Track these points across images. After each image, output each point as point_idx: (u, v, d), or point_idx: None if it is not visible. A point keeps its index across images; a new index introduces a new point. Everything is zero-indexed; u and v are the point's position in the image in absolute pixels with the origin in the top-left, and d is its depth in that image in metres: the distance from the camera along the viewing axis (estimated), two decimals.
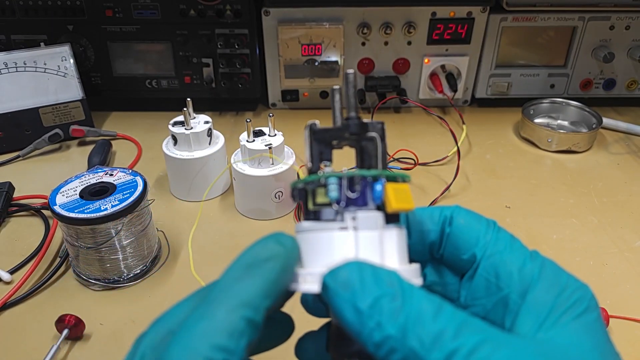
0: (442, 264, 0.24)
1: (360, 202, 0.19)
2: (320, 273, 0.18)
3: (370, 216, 0.19)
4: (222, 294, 0.17)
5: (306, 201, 0.21)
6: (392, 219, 0.20)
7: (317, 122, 0.22)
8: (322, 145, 0.21)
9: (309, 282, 0.19)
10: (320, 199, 0.20)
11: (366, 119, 0.22)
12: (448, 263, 0.23)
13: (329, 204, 0.20)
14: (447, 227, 0.22)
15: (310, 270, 0.19)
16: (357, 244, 0.19)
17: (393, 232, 0.19)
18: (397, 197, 0.19)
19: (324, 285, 0.18)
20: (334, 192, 0.19)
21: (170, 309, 0.19)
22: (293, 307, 0.23)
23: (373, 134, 0.21)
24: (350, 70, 0.22)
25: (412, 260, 0.21)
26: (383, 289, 0.17)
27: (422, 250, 0.23)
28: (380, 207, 0.20)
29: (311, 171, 0.21)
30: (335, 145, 0.22)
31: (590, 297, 0.20)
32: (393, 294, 0.17)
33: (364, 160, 0.21)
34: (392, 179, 0.20)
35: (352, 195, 0.19)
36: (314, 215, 0.20)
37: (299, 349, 0.23)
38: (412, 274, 0.19)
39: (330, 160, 0.21)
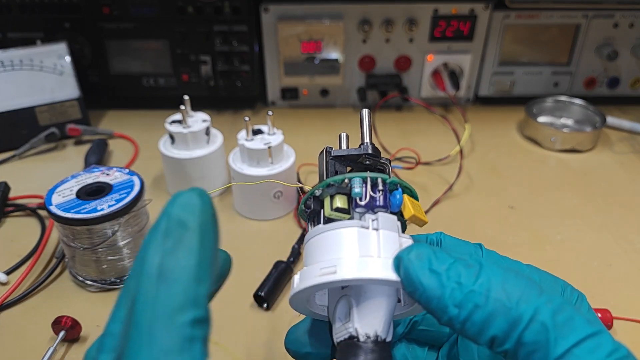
0: None
1: (381, 205, 0.20)
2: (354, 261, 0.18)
3: (391, 218, 0.20)
4: (148, 307, 0.14)
5: (322, 209, 0.21)
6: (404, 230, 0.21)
7: (332, 147, 0.23)
8: (338, 165, 0.23)
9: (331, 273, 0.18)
10: (340, 203, 0.20)
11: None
12: None
13: (347, 211, 0.20)
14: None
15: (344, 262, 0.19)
16: (378, 242, 0.19)
17: (410, 240, 0.20)
18: (414, 207, 0.20)
19: (398, 258, 0.18)
20: (358, 188, 0.20)
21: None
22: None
23: (384, 160, 0.23)
24: (366, 110, 0.24)
25: None
26: (456, 257, 0.18)
27: None
28: (397, 214, 0.21)
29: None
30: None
31: (584, 297, 0.21)
32: (468, 263, 0.18)
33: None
34: (407, 192, 0.21)
35: (375, 195, 0.20)
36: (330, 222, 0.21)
37: (289, 340, 0.24)
38: None
39: None
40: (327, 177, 0.22)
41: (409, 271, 0.18)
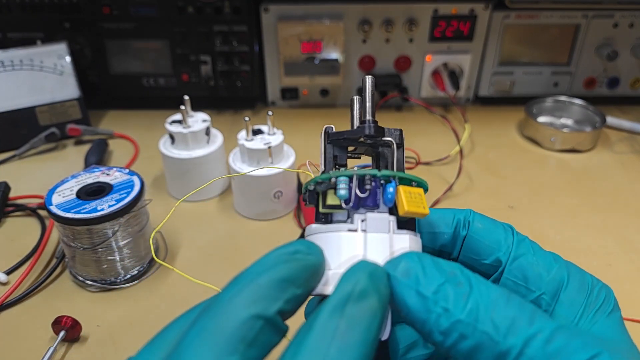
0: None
1: (371, 204, 0.19)
2: (335, 274, 0.18)
3: (380, 218, 0.18)
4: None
5: (317, 204, 0.20)
6: (407, 225, 0.19)
7: (332, 126, 0.21)
8: (336, 149, 0.21)
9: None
10: (331, 201, 0.19)
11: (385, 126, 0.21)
12: (466, 266, 0.22)
13: (340, 206, 0.19)
14: (461, 230, 0.22)
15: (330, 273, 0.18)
16: (365, 246, 0.18)
17: (405, 237, 0.19)
18: (409, 200, 0.18)
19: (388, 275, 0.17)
20: (343, 190, 0.19)
21: (163, 330, 0.17)
22: None
23: (389, 138, 0.20)
24: (369, 77, 0.21)
25: None
26: (446, 276, 0.17)
27: (432, 253, 0.23)
28: (393, 210, 0.19)
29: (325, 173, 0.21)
30: (352, 153, 0.22)
31: (613, 297, 0.20)
32: (458, 280, 0.17)
33: (380, 167, 0.21)
34: (407, 181, 0.19)
35: (363, 195, 0.19)
36: (325, 219, 0.20)
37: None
38: None
39: (345, 165, 0.21)
40: (325, 163, 0.21)
41: (395, 289, 0.17)
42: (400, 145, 0.21)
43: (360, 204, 0.19)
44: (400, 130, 0.21)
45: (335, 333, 0.14)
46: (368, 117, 0.20)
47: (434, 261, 0.17)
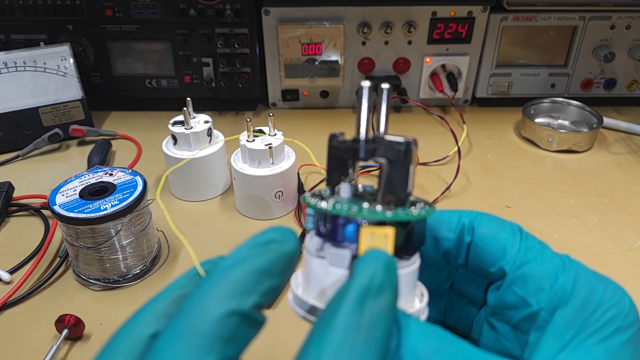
0: (463, 268, 0.23)
1: (336, 239, 0.18)
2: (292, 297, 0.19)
3: (340, 254, 0.18)
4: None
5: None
6: (401, 252, 0.18)
7: (337, 134, 0.19)
8: (338, 160, 0.19)
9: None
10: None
11: (393, 135, 0.18)
12: (472, 271, 0.22)
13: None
14: (466, 235, 0.21)
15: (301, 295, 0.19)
16: (326, 277, 0.18)
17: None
18: (369, 245, 0.17)
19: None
20: (310, 223, 0.19)
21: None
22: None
23: (381, 160, 0.18)
24: (366, 83, 0.18)
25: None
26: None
27: (436, 257, 0.22)
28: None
29: (327, 184, 0.20)
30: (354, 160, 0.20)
31: (624, 316, 0.18)
32: None
33: (380, 181, 0.19)
34: (382, 221, 0.18)
35: (323, 232, 0.18)
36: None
37: None
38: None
39: (347, 174, 0.19)
40: (327, 174, 0.20)
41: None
42: (401, 162, 0.18)
43: (326, 237, 0.18)
44: (407, 144, 0.18)
45: (358, 328, 0.14)
46: (361, 135, 0.18)
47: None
